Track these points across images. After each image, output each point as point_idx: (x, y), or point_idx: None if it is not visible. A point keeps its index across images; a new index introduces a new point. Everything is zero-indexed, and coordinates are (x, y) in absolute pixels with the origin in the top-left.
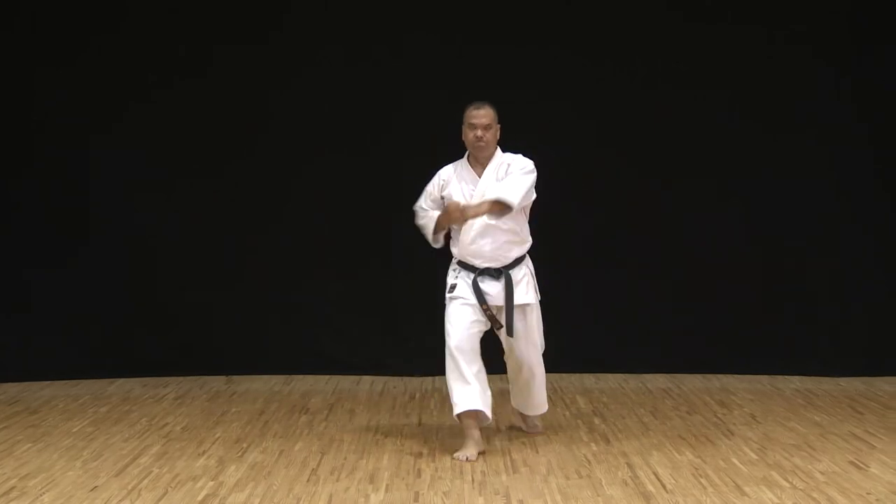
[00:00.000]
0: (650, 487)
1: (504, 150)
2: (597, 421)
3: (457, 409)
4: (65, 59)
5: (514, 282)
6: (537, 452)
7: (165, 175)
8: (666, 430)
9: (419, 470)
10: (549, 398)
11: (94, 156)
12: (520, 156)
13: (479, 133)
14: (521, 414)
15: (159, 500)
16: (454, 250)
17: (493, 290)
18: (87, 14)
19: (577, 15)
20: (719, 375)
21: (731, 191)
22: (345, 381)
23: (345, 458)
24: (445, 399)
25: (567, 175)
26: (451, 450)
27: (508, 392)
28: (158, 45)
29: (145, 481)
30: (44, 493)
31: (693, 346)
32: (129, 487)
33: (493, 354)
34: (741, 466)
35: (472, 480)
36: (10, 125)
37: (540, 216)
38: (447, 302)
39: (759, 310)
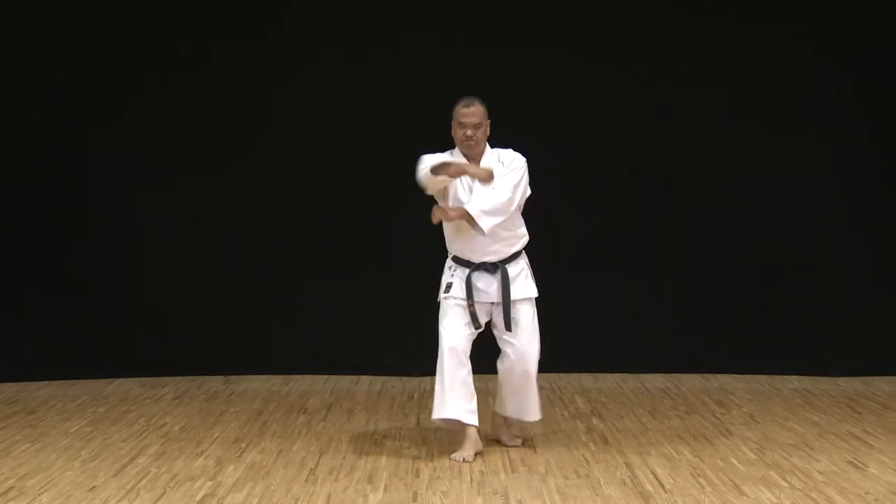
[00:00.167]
0: (649, 487)
1: (501, 146)
2: (595, 421)
3: (436, 414)
4: (65, 59)
5: (510, 276)
6: (536, 452)
7: (165, 175)
8: (664, 429)
9: (418, 470)
10: (548, 398)
11: (94, 156)
12: (510, 151)
13: (469, 132)
14: (503, 425)
15: (158, 500)
16: (449, 246)
17: (490, 286)
18: (87, 14)
19: (577, 15)
20: (717, 375)
21: (731, 191)
22: (343, 381)
23: (343, 458)
24: None
25: (567, 175)
26: (450, 450)
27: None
28: (158, 45)
29: (143, 481)
30: (42, 493)
31: (693, 346)
32: (128, 487)
33: (484, 356)
34: (739, 466)
35: (471, 480)
36: (10, 125)
37: (540, 216)
38: (441, 301)
39: (759, 310)
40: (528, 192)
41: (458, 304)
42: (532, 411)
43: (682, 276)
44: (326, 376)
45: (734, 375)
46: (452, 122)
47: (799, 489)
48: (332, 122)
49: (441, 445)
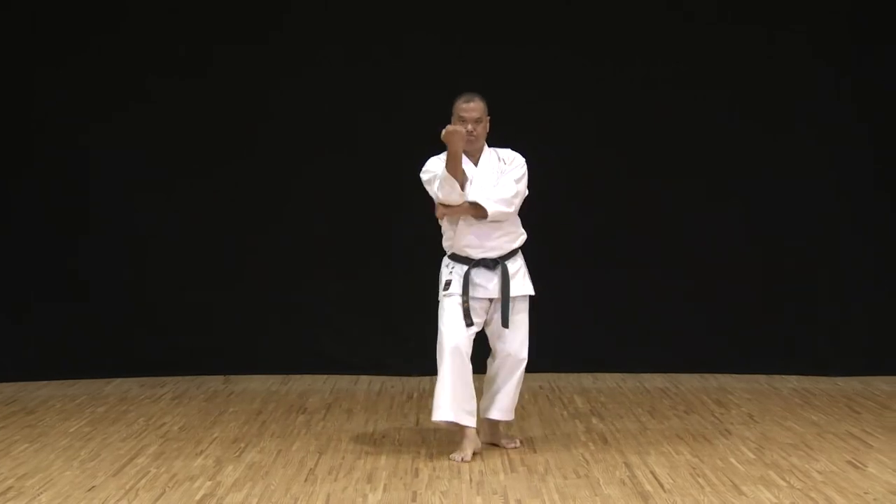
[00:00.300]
0: (648, 487)
1: (500, 146)
2: (595, 420)
3: (435, 415)
4: (65, 59)
5: (510, 273)
6: (535, 452)
7: (165, 175)
8: (664, 429)
9: (417, 469)
10: (547, 398)
11: (94, 156)
12: (509, 150)
13: (470, 127)
14: (498, 428)
15: (157, 500)
16: (447, 244)
17: (488, 282)
18: (86, 14)
19: (577, 15)
20: (717, 375)
21: (731, 191)
22: (342, 381)
23: (342, 458)
24: None
25: (567, 175)
26: (449, 450)
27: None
28: (158, 45)
29: (143, 481)
30: (41, 493)
31: (693, 346)
32: (127, 487)
33: (483, 355)
34: (739, 466)
35: (470, 480)
36: (10, 125)
37: (540, 216)
38: (441, 299)
39: (759, 310)
40: (527, 192)
41: (458, 302)
42: (507, 410)
43: (681, 276)
44: (326, 376)
45: (733, 375)
46: (452, 118)
47: (798, 489)
48: (332, 122)
49: (440, 445)
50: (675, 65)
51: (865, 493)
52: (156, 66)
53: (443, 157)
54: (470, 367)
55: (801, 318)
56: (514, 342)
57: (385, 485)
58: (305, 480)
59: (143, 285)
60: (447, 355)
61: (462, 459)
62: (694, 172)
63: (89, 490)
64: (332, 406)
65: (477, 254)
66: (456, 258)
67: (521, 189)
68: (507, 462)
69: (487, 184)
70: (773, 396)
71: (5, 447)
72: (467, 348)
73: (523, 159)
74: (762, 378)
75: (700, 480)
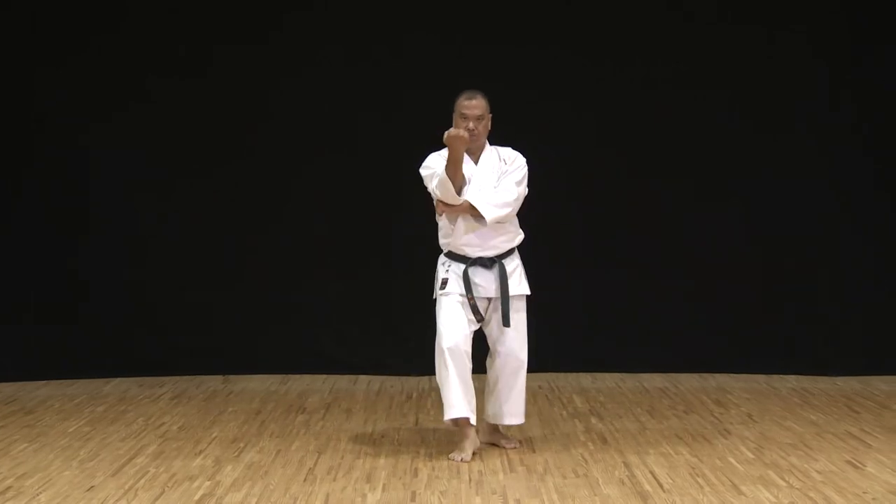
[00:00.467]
0: (647, 487)
1: (500, 145)
2: (594, 420)
3: (450, 414)
4: (64, 59)
5: (507, 272)
6: (534, 452)
7: (165, 175)
8: (663, 429)
9: (416, 469)
10: (546, 397)
11: (94, 156)
12: (509, 149)
13: (472, 125)
14: (498, 429)
15: (156, 499)
16: (443, 242)
17: (486, 281)
18: (86, 14)
19: (577, 15)
20: (716, 375)
21: (731, 191)
22: (342, 381)
23: (342, 458)
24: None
25: (567, 175)
26: (449, 449)
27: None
28: (158, 45)
29: (142, 481)
30: (40, 492)
31: (693, 346)
32: (126, 487)
33: (483, 355)
34: (738, 466)
35: (469, 480)
36: (10, 125)
37: (540, 216)
38: (438, 297)
39: (759, 310)
40: (526, 191)
41: (456, 301)
42: (518, 414)
43: (681, 276)
44: (325, 376)
45: (732, 375)
46: (454, 115)
47: (797, 488)
48: (332, 122)
49: (439, 445)
50: (675, 65)
51: (864, 492)
52: (156, 66)
53: (443, 153)
54: (470, 365)
55: (800, 318)
56: (514, 342)
57: (384, 484)
58: (304, 480)
59: (143, 285)
60: (447, 355)
61: (462, 459)
62: (694, 172)
63: (88, 490)
64: (332, 406)
65: (475, 252)
66: (452, 256)
67: (522, 192)
68: (506, 462)
69: (487, 184)
70: (772, 396)
71: (4, 447)
72: (467, 347)
73: (524, 159)
74: (761, 378)
75: (699, 480)
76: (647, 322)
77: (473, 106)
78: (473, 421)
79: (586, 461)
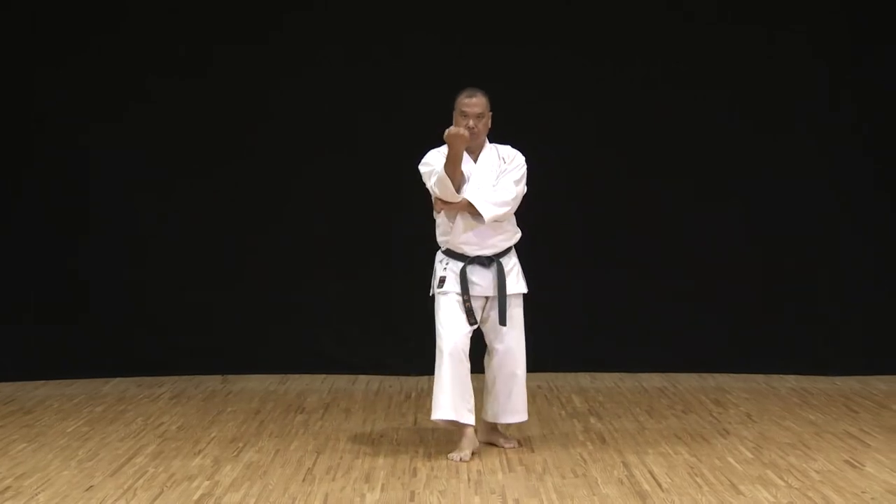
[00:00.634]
0: (646, 486)
1: (499, 144)
2: (592, 420)
3: (436, 414)
4: (64, 59)
5: (505, 270)
6: (533, 451)
7: (165, 175)
8: (662, 429)
9: (415, 469)
10: (545, 397)
11: (94, 156)
12: (508, 147)
13: (472, 123)
14: (496, 429)
15: (155, 499)
16: (441, 239)
17: (484, 280)
18: (86, 14)
19: (577, 15)
20: (715, 374)
21: (731, 191)
22: (341, 381)
23: (340, 458)
24: None
25: (567, 175)
26: (447, 449)
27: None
28: (158, 45)
29: (141, 481)
30: (39, 492)
31: (693, 346)
32: (125, 487)
33: (480, 354)
34: (737, 465)
35: (468, 479)
36: (10, 125)
37: (540, 216)
38: (436, 296)
39: (759, 310)
40: (525, 190)
41: (456, 301)
42: (520, 412)
43: (681, 276)
44: (324, 376)
45: (731, 375)
46: (454, 113)
47: (796, 488)
48: (332, 122)
49: (438, 445)
50: (675, 65)
51: (863, 492)
52: (156, 66)
53: (443, 150)
54: (468, 365)
55: (800, 318)
56: (512, 340)
57: (383, 484)
58: (303, 480)
59: (143, 285)
60: (446, 355)
61: (461, 459)
62: (694, 172)
63: (87, 490)
64: (331, 406)
65: (473, 251)
66: (451, 254)
67: (520, 191)
68: (505, 461)
69: (486, 182)
70: (771, 396)
71: (3, 447)
72: (465, 347)
73: (523, 158)
74: (760, 378)
75: (698, 480)
76: (646, 322)
77: (474, 104)
78: (469, 422)
79: (585, 461)
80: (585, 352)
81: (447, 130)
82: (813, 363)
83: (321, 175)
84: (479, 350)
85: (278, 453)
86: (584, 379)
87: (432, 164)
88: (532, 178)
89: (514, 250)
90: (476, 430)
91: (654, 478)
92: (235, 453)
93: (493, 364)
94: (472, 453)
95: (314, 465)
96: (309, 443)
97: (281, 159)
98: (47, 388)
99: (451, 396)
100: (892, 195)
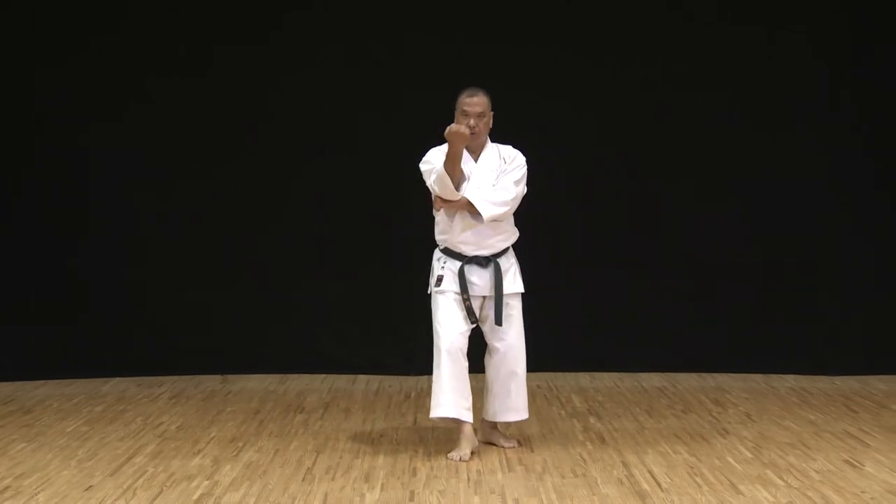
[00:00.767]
0: (645, 486)
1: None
2: (592, 420)
3: (436, 412)
4: (65, 59)
5: (502, 270)
6: (532, 451)
7: (165, 175)
8: (661, 428)
9: (415, 469)
10: (545, 397)
11: (94, 156)
12: (510, 147)
13: (473, 122)
14: (496, 428)
15: (154, 499)
16: (440, 238)
17: (481, 279)
18: (86, 14)
19: (577, 15)
20: (714, 374)
21: (731, 191)
22: (340, 381)
23: (340, 458)
24: None
25: (567, 175)
26: (447, 449)
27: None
28: (158, 45)
29: (140, 481)
30: (38, 492)
31: (693, 346)
32: (124, 487)
33: (479, 354)
34: (736, 465)
35: (468, 479)
36: (10, 125)
37: (540, 216)
38: (433, 294)
39: (759, 310)
40: (525, 190)
41: (452, 300)
42: (520, 410)
43: (681, 276)
44: (323, 375)
45: (730, 374)
46: (455, 112)
47: (795, 488)
48: (332, 122)
49: (438, 444)
50: (675, 65)
51: (863, 491)
52: (156, 66)
53: (443, 148)
54: (466, 363)
55: (800, 318)
56: (511, 338)
57: (383, 484)
58: (303, 480)
59: (143, 285)
60: (444, 353)
61: (460, 458)
62: (694, 172)
63: (87, 489)
64: (330, 405)
65: (471, 251)
66: (449, 253)
67: (520, 192)
68: (504, 461)
69: (485, 182)
70: (770, 396)
71: (2, 446)
72: (463, 345)
73: (524, 158)
74: (759, 377)
75: (697, 479)
76: (646, 322)
77: (475, 103)
78: (468, 419)
79: (585, 461)
80: (585, 352)
81: (448, 128)
82: (813, 363)
83: (321, 175)
84: (479, 350)
85: (278, 453)
86: (584, 379)
87: (433, 162)
88: (532, 178)
89: (511, 250)
90: (476, 430)
91: (653, 477)
92: (235, 453)
93: (493, 362)
94: (472, 452)
95: (314, 464)
96: (308, 442)
97: (281, 159)
98: (47, 387)
99: (449, 394)
100: (892, 195)
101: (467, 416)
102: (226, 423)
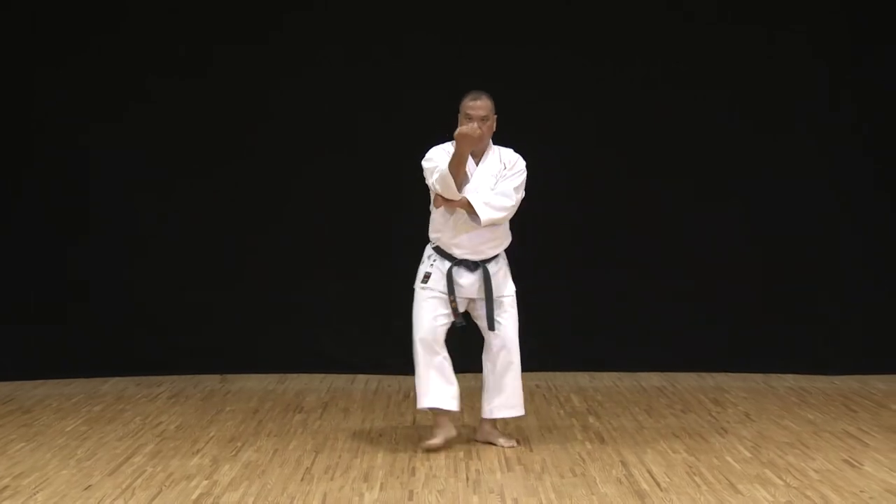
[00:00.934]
0: (644, 486)
1: (503, 146)
2: (591, 419)
3: (421, 403)
4: (65, 59)
5: (491, 275)
6: (531, 451)
7: (165, 175)
8: (660, 428)
9: (414, 468)
10: (544, 396)
11: (94, 156)
12: (511, 151)
13: (476, 125)
14: (495, 427)
15: (153, 499)
16: (433, 235)
17: (467, 281)
18: (86, 14)
19: (577, 15)
20: (714, 374)
21: (731, 191)
22: (339, 380)
23: (339, 457)
24: None
25: (567, 175)
26: (446, 448)
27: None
28: (158, 45)
29: (139, 480)
30: (37, 492)
31: (693, 346)
32: (123, 486)
33: (472, 353)
34: (735, 464)
35: (467, 479)
36: (10, 125)
37: (540, 216)
38: (417, 290)
39: (759, 310)
40: (523, 195)
41: (434, 297)
42: (516, 406)
43: (681, 276)
44: (322, 375)
45: (730, 374)
46: (459, 115)
47: (794, 487)
48: (332, 122)
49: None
50: (675, 65)
51: (862, 491)
52: (156, 66)
53: (446, 147)
54: (443, 353)
55: (800, 317)
56: (506, 335)
57: (382, 483)
58: (302, 479)
59: (143, 285)
60: (419, 346)
61: (430, 447)
62: (694, 172)
63: (86, 489)
64: (329, 405)
65: (462, 254)
66: (439, 252)
67: (519, 198)
68: (503, 461)
69: (485, 185)
70: (769, 395)
71: (1, 446)
72: (439, 336)
73: (524, 164)
74: (759, 377)
75: (696, 479)
76: (646, 322)
77: (478, 107)
78: (452, 407)
79: (584, 460)
80: (585, 351)
81: (458, 129)
82: (812, 363)
83: (321, 175)
84: (478, 349)
85: (277, 453)
86: (583, 378)
87: (436, 160)
88: (532, 178)
89: (503, 253)
90: (476, 430)
91: (652, 477)
92: (234, 453)
93: (489, 360)
94: (446, 440)
95: (313, 464)
96: (307, 442)
97: (281, 159)
98: (46, 387)
99: (429, 384)
100: (892, 195)
101: (451, 404)
102: (225, 423)
